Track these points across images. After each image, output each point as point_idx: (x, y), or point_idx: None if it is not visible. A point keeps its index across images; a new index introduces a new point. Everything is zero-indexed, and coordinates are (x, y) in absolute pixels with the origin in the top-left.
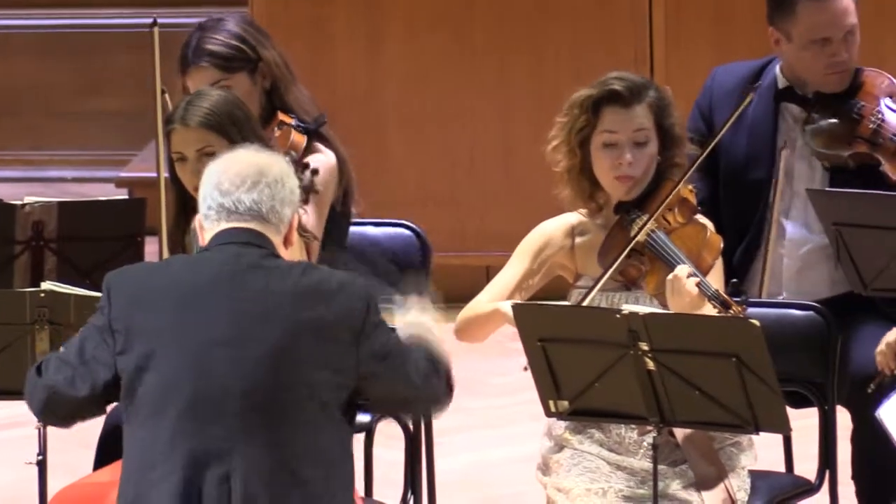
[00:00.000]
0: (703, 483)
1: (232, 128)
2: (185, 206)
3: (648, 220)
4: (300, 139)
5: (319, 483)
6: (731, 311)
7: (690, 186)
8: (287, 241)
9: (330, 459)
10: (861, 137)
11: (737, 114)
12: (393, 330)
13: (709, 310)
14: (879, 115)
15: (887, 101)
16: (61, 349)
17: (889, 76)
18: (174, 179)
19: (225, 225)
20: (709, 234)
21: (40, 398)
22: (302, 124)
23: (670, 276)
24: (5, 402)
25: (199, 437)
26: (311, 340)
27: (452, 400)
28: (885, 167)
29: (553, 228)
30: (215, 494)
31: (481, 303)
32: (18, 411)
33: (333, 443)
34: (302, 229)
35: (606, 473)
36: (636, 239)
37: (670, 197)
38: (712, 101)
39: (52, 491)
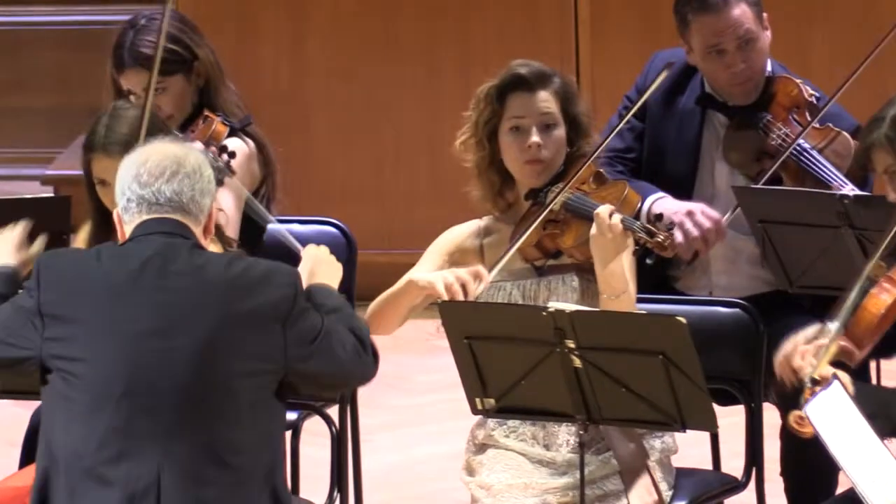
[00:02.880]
0: (626, 468)
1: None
2: (106, 221)
3: (563, 187)
4: (222, 129)
5: (248, 471)
6: (658, 239)
7: (602, 169)
8: (206, 231)
9: (262, 447)
10: (766, 153)
11: (651, 89)
12: (317, 311)
13: (628, 257)
14: (782, 131)
15: (794, 112)
16: None
17: (800, 82)
18: (92, 197)
19: (146, 216)
20: (627, 190)
21: None
22: (228, 121)
23: (594, 214)
24: None
25: (133, 432)
26: (239, 330)
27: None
28: (786, 184)
29: (461, 230)
30: (146, 489)
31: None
32: None
33: (267, 431)
34: (227, 243)
35: (529, 470)
36: (551, 206)
37: (582, 169)
38: (647, 82)
39: None
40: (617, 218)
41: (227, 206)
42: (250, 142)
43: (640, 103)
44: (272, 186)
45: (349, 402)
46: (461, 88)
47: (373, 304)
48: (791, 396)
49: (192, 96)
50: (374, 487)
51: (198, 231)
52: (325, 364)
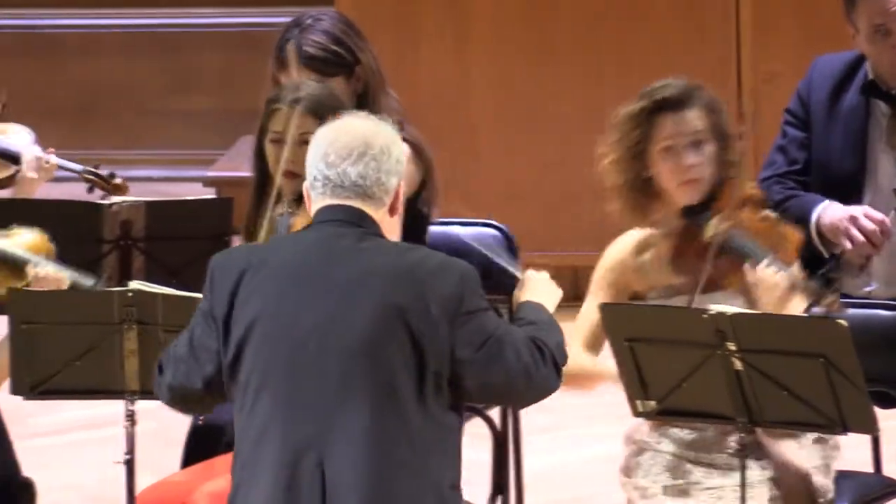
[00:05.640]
0: (783, 477)
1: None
2: (265, 187)
3: (721, 221)
4: None
5: (414, 469)
6: (827, 301)
7: (752, 183)
8: (393, 210)
9: (425, 447)
10: None
11: None
12: (494, 314)
13: (798, 304)
14: None
15: None
16: (178, 339)
17: None
18: (259, 157)
19: (328, 201)
20: (783, 227)
21: (165, 398)
22: None
23: (756, 272)
24: (93, 402)
25: (294, 422)
26: (404, 323)
27: (561, 384)
28: None
29: (620, 251)
30: (309, 481)
31: (582, 357)
32: (106, 411)
33: (429, 431)
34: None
35: (686, 472)
36: (715, 243)
37: (736, 194)
38: (811, 87)
39: (139, 489)
40: (779, 275)
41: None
42: (403, 145)
43: None
44: (432, 189)
45: None
46: (622, 93)
47: (566, 376)
48: None
49: (351, 101)
50: (534, 490)
51: (379, 214)
52: (493, 370)
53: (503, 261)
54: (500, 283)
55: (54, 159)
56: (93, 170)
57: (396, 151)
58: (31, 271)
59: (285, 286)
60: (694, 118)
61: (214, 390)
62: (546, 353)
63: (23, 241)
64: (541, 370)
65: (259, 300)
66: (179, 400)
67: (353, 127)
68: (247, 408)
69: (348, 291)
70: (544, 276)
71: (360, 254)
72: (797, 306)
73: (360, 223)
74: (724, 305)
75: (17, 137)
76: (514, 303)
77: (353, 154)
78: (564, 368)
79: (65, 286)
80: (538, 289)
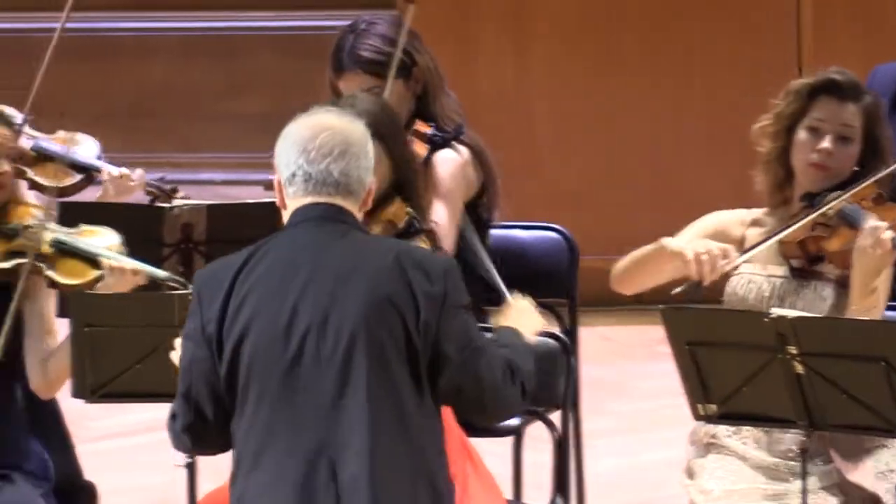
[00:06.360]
0: (847, 485)
1: (387, 132)
2: None
3: (842, 195)
4: (421, 150)
5: (412, 461)
6: None
7: (880, 191)
8: (364, 205)
9: (422, 440)
10: None
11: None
12: (476, 324)
13: (888, 275)
14: None
15: None
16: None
17: None
18: None
19: (309, 198)
20: None
21: (184, 446)
22: (438, 134)
23: (867, 225)
24: (154, 405)
25: (299, 429)
26: (396, 315)
27: (522, 409)
28: None
29: (729, 215)
30: (324, 486)
31: None
32: (167, 414)
33: (425, 423)
34: (435, 245)
35: (749, 476)
36: (825, 209)
37: (865, 185)
38: None
39: (201, 493)
40: (889, 234)
41: (440, 217)
42: (463, 150)
43: None
44: (493, 193)
45: (572, 408)
46: (682, 96)
47: (620, 262)
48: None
49: (410, 103)
50: (595, 493)
51: (355, 208)
52: (467, 377)
53: (498, 278)
54: (488, 298)
55: (135, 175)
56: (156, 182)
57: (370, 147)
58: (105, 263)
59: (276, 289)
60: (852, 113)
61: (225, 416)
62: (517, 375)
63: (99, 240)
64: (508, 390)
65: (250, 307)
66: (196, 443)
67: (330, 123)
68: (246, 417)
69: (339, 288)
70: (527, 304)
71: (347, 250)
72: (887, 278)
73: (344, 219)
74: (786, 310)
75: (86, 148)
76: (493, 324)
77: (334, 151)
78: (618, 263)
79: (140, 278)
80: (519, 316)
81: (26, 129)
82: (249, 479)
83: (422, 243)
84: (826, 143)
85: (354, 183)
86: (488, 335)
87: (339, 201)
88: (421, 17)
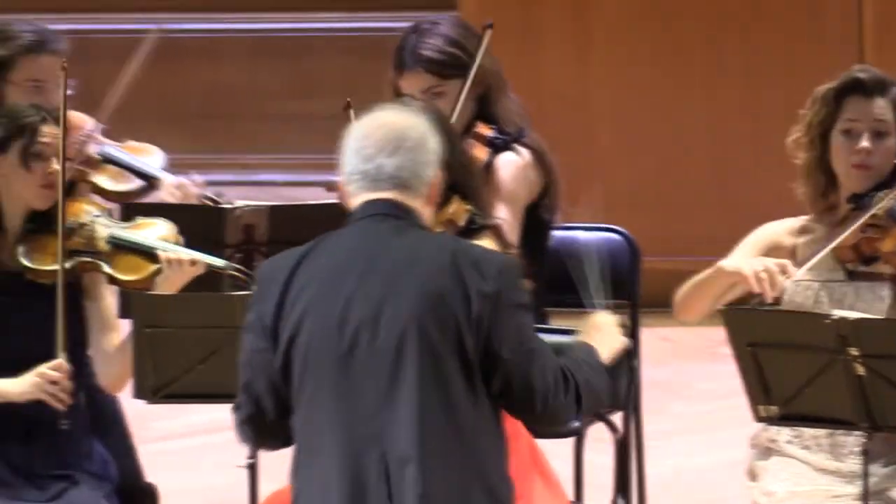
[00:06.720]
0: None
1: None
2: None
3: (890, 193)
4: (482, 153)
5: (462, 457)
6: None
7: None
8: (429, 201)
9: (475, 436)
10: None
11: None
12: (532, 325)
13: None
14: None
15: None
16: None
17: None
18: None
19: (367, 195)
20: None
21: (247, 438)
22: (499, 136)
23: None
24: (216, 406)
25: (352, 422)
26: (448, 312)
27: (575, 421)
28: None
29: (778, 226)
30: (376, 479)
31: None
32: (228, 415)
33: (478, 420)
34: (507, 246)
35: (813, 477)
36: (875, 210)
37: None
38: None
39: (263, 494)
40: None
41: (502, 216)
42: (525, 152)
43: None
44: (554, 195)
45: (632, 408)
46: (745, 96)
47: (680, 290)
48: None
49: (471, 104)
50: (656, 494)
51: (418, 203)
52: (517, 378)
53: (592, 285)
54: (552, 300)
55: (192, 188)
56: (212, 196)
57: (431, 142)
58: (162, 255)
59: (331, 284)
60: (882, 107)
61: (283, 409)
62: (571, 384)
63: (150, 229)
64: (559, 399)
65: (305, 301)
66: (257, 438)
67: (386, 120)
68: (303, 411)
69: (393, 284)
70: (612, 320)
71: (403, 246)
72: None
73: (401, 215)
74: (847, 311)
75: (151, 158)
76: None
77: (388, 147)
78: (678, 292)
79: (199, 268)
80: (600, 332)
81: (96, 135)
82: (306, 473)
83: (487, 241)
84: (864, 143)
85: (411, 177)
86: (564, 338)
87: (396, 196)
88: (485, 15)
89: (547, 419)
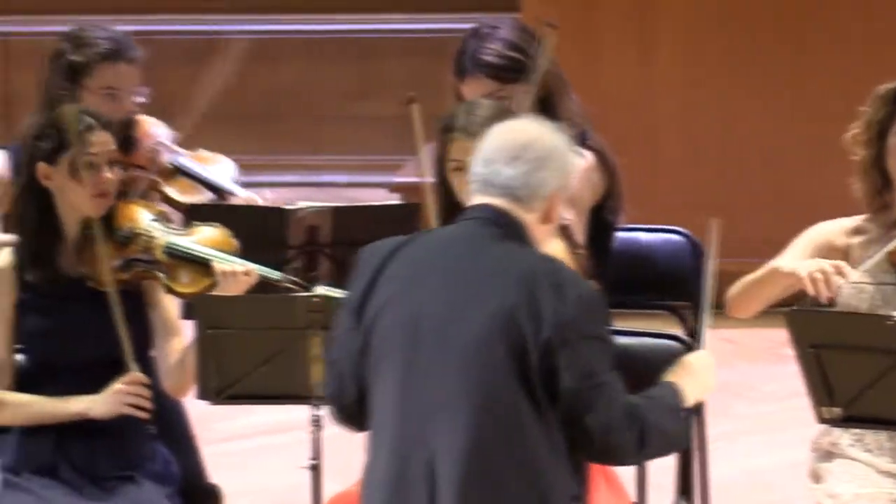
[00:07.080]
0: None
1: None
2: (453, 212)
3: None
4: None
5: (519, 473)
6: None
7: None
8: (546, 219)
9: (535, 453)
10: None
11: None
12: (606, 359)
13: None
14: None
15: None
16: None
17: None
18: (443, 184)
19: (479, 199)
20: None
21: (333, 414)
22: None
23: None
24: (279, 407)
25: (406, 416)
26: (517, 331)
27: (636, 461)
28: None
29: (832, 226)
30: (419, 477)
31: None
32: (292, 416)
33: (540, 437)
34: (575, 246)
35: (877, 480)
36: None
37: None
38: None
39: (326, 495)
40: None
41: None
42: (588, 153)
43: None
44: (617, 197)
45: (695, 410)
46: (800, 98)
47: (733, 288)
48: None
49: (533, 107)
50: (718, 496)
51: (529, 218)
52: (578, 410)
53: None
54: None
55: (263, 198)
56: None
57: (559, 159)
58: (217, 267)
59: (416, 277)
60: None
61: (360, 390)
62: (637, 425)
63: (205, 236)
64: (621, 436)
65: (389, 291)
66: (341, 417)
67: (517, 128)
68: (373, 397)
69: (473, 289)
70: (709, 362)
71: (493, 255)
72: None
73: (503, 224)
74: None
75: (222, 169)
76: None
77: (508, 155)
78: (731, 289)
79: (253, 278)
80: (692, 374)
81: (170, 144)
82: (368, 464)
83: (556, 240)
84: None
85: (523, 188)
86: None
87: (505, 205)
88: (545, 18)
89: (604, 455)
